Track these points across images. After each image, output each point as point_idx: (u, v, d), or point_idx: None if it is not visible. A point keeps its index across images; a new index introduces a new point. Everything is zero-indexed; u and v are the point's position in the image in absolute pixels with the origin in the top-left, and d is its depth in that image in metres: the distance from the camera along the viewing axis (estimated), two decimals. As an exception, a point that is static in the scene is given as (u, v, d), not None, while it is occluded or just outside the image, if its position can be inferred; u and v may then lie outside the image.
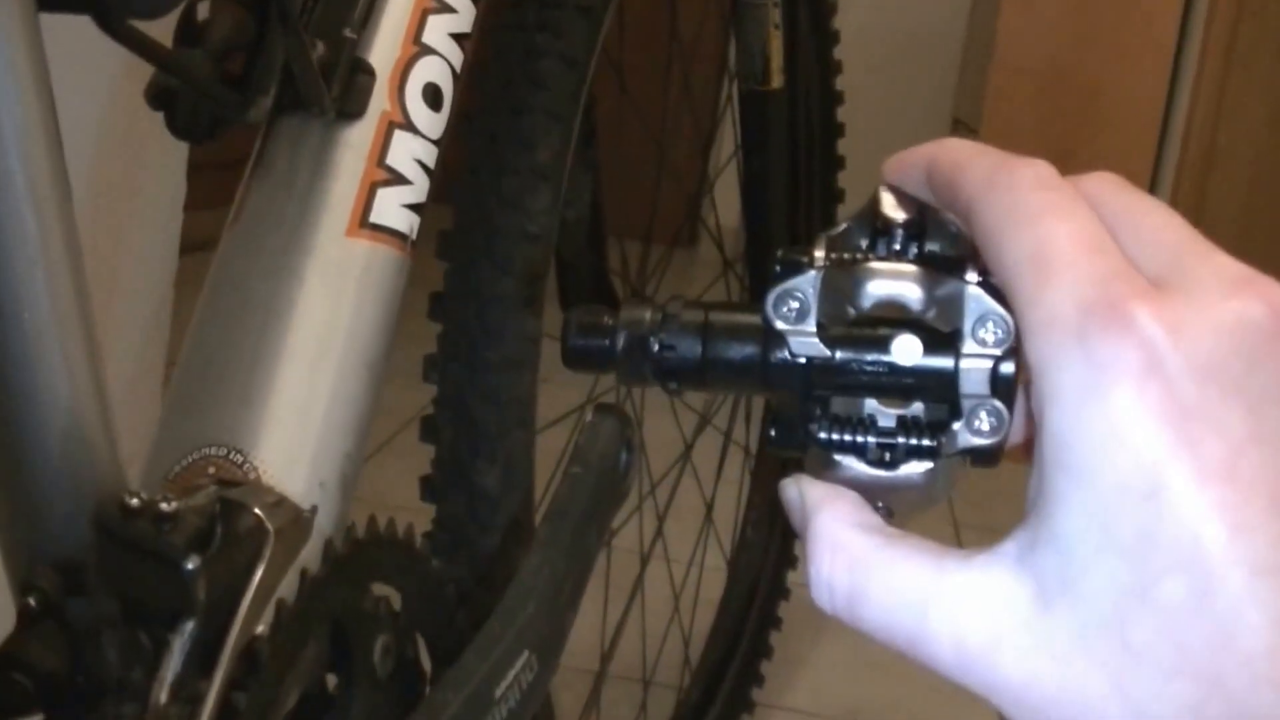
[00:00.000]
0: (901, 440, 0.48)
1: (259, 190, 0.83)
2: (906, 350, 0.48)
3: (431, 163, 0.87)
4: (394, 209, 0.84)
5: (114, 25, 0.68)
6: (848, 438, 0.49)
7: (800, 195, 1.78)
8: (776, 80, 1.66)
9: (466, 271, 1.12)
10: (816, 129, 1.78)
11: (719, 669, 1.86)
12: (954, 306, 0.48)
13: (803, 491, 0.48)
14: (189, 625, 0.64)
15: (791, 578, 1.91)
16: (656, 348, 0.53)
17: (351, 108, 0.84)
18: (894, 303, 0.49)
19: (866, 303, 0.49)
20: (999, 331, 0.47)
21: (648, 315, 0.54)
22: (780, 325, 0.49)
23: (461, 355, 1.12)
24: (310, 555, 0.71)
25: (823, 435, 0.49)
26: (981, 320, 0.47)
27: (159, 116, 0.79)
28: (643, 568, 1.79)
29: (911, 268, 0.49)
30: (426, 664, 0.79)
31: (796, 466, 0.51)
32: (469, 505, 1.12)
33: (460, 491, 1.12)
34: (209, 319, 0.80)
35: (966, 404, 0.47)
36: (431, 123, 0.87)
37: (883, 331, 0.49)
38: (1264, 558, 0.39)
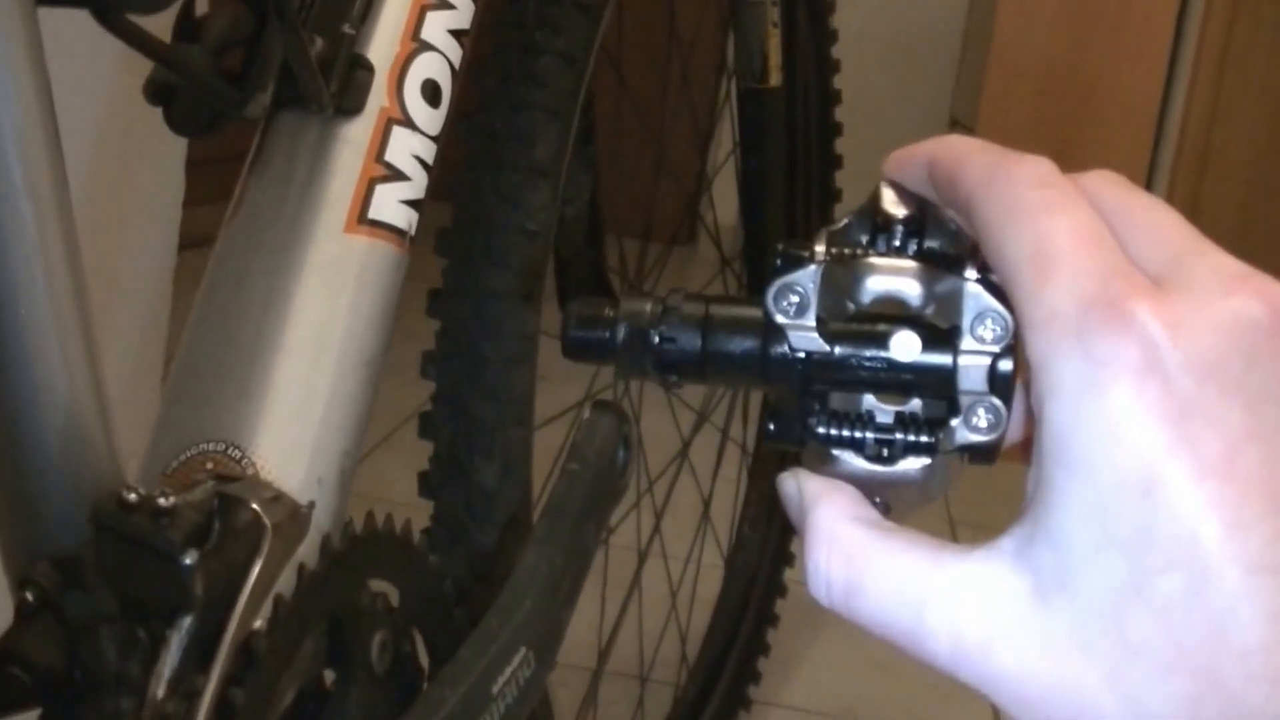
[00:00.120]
0: (899, 436, 0.48)
1: (257, 186, 0.83)
2: (905, 346, 0.48)
3: (430, 159, 0.87)
4: (392, 205, 0.84)
5: (112, 20, 0.68)
6: (846, 433, 0.49)
7: (798, 194, 1.78)
8: (775, 78, 1.66)
9: (465, 268, 1.12)
10: (814, 127, 1.78)
11: (716, 666, 1.86)
12: (953, 303, 0.48)
13: (800, 485, 0.48)
14: (186, 620, 0.64)
15: (788, 575, 1.91)
16: (656, 340, 0.53)
17: (350, 104, 0.84)
18: (893, 298, 0.49)
19: (866, 298, 0.49)
20: (997, 329, 0.47)
21: (648, 308, 0.54)
22: (780, 319, 0.49)
23: (460, 352, 1.12)
24: (308, 551, 0.71)
25: (821, 430, 0.49)
26: (980, 317, 0.47)
27: (157, 112, 0.79)
28: (640, 565, 1.79)
29: (911, 264, 0.49)
30: (424, 660, 0.79)
31: (794, 462, 0.51)
32: (467, 501, 1.12)
33: (458, 488, 1.12)
34: (207, 314, 0.80)
35: (964, 401, 0.47)
36: (430, 119, 0.87)
37: (882, 327, 0.49)
38: (1260, 555, 0.39)
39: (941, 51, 4.62)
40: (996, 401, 0.47)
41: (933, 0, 4.71)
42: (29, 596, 0.65)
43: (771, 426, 0.51)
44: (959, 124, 3.95)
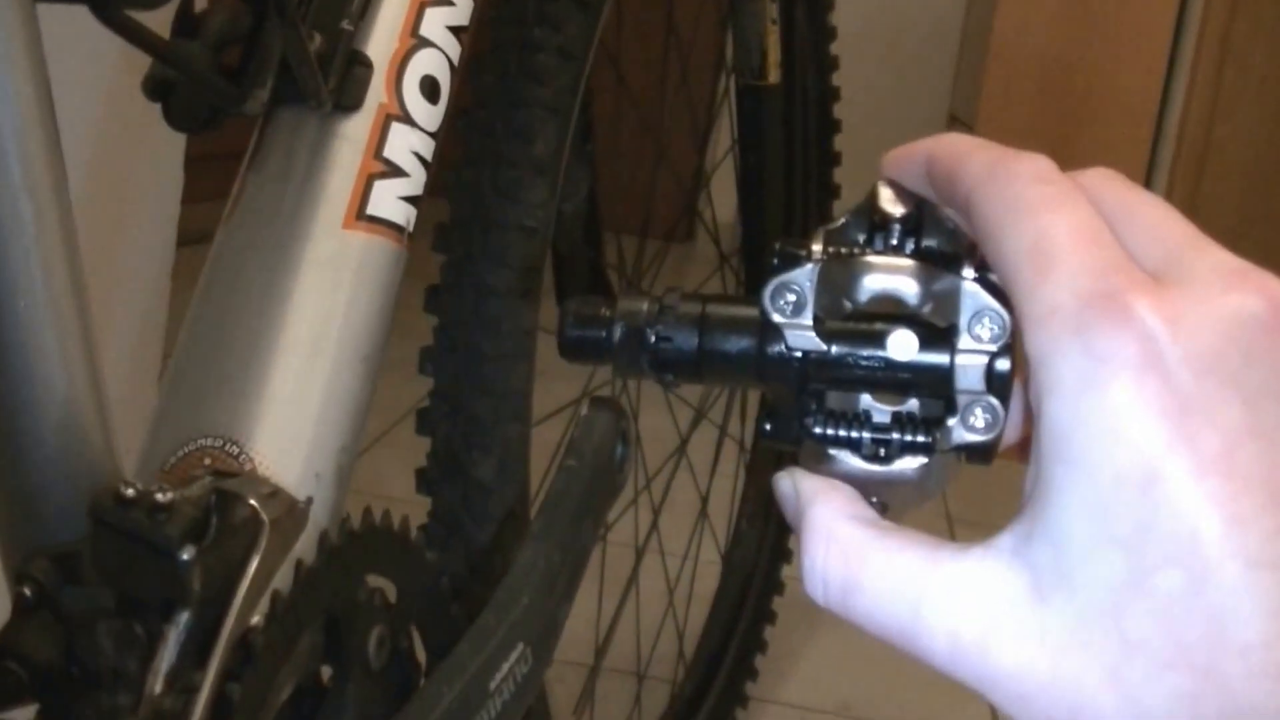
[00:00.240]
0: (896, 436, 0.48)
1: (256, 182, 0.83)
2: (902, 345, 0.48)
3: (429, 155, 0.87)
4: (391, 201, 0.84)
5: (111, 16, 0.68)
6: (843, 433, 0.49)
7: (796, 190, 1.78)
8: (774, 75, 1.66)
9: (463, 264, 1.12)
10: (813, 124, 1.78)
11: (713, 663, 1.86)
12: (950, 302, 0.48)
13: (797, 484, 0.48)
14: (184, 616, 0.64)
15: (786, 572, 1.91)
16: (653, 339, 0.53)
17: (349, 100, 0.84)
18: (890, 297, 0.49)
19: (863, 296, 0.49)
20: (995, 327, 0.47)
21: (645, 307, 0.54)
22: (777, 318, 0.49)
23: (458, 348, 1.12)
24: (305, 546, 0.71)
25: (818, 430, 0.49)
26: (978, 316, 0.47)
27: (156, 108, 0.79)
28: (637, 561, 1.80)
29: (908, 262, 0.49)
30: (421, 656, 0.79)
31: (791, 460, 0.51)
32: (464, 497, 1.12)
33: (456, 484, 1.12)
34: (205, 310, 0.80)
35: (962, 400, 0.47)
36: (429, 115, 0.87)
37: (879, 326, 0.48)
38: (1259, 550, 0.39)
39: (940, 48, 4.62)
40: (994, 401, 0.47)
41: (932, -3, 4.72)
42: (26, 591, 0.65)
43: (768, 426, 0.51)
44: (958, 121, 3.95)
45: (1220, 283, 0.42)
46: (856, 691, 2.07)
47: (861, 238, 0.51)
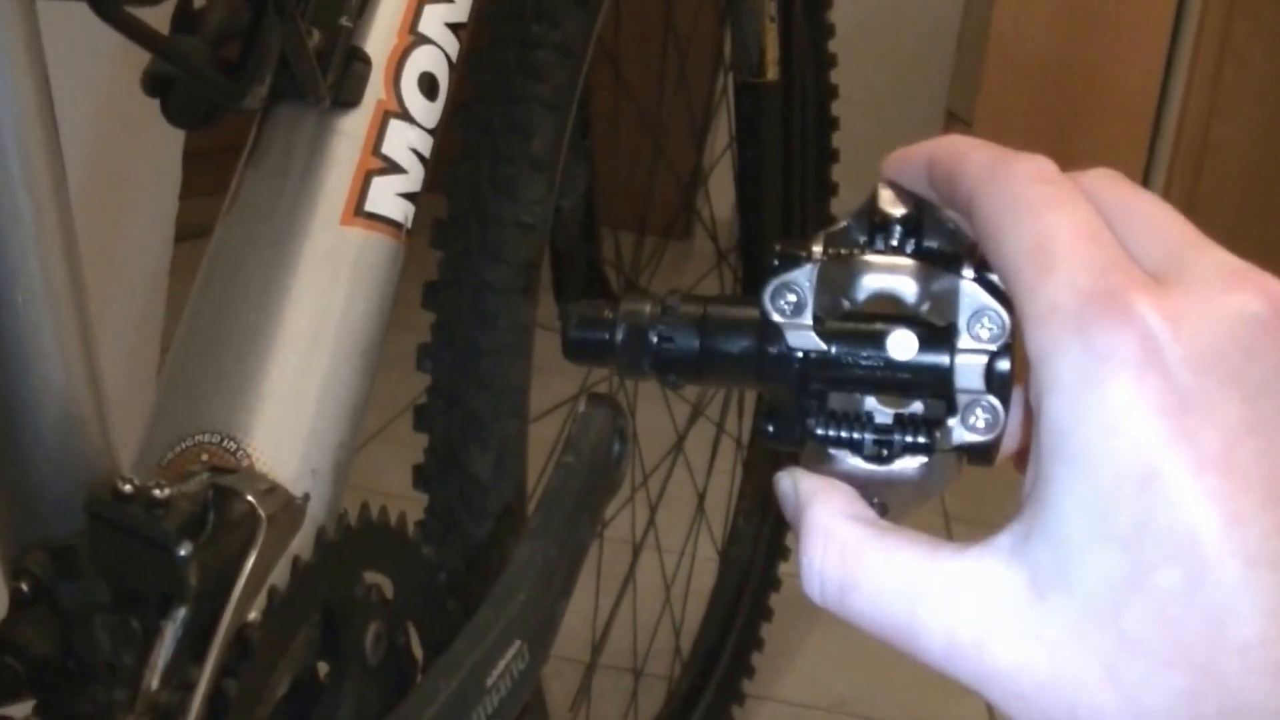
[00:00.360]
0: (898, 437, 0.48)
1: (254, 178, 0.83)
2: (902, 345, 0.48)
3: (427, 152, 0.87)
4: (389, 197, 0.84)
5: (110, 12, 0.68)
6: (844, 434, 0.49)
7: (794, 188, 1.78)
8: (772, 72, 1.66)
9: (461, 261, 1.12)
10: (811, 122, 1.78)
11: (710, 660, 1.87)
12: (949, 301, 0.48)
13: (797, 483, 0.48)
14: (181, 611, 0.64)
15: (783, 569, 1.91)
16: (655, 340, 0.53)
17: (347, 96, 0.84)
18: (889, 296, 0.49)
19: (861, 295, 0.50)
20: (994, 327, 0.47)
21: (647, 308, 0.54)
22: (777, 318, 0.49)
23: (455, 344, 1.12)
24: (302, 542, 0.71)
25: (819, 431, 0.49)
26: (977, 315, 0.47)
27: (155, 104, 0.79)
28: (634, 558, 1.80)
29: (907, 261, 0.49)
30: (418, 652, 0.79)
31: (790, 459, 0.51)
32: (461, 493, 1.12)
33: (453, 480, 1.12)
34: (203, 306, 0.80)
35: (961, 400, 0.47)
36: (427, 112, 0.87)
37: (878, 326, 0.49)
38: (1259, 548, 0.39)
39: (938, 46, 4.62)
40: (994, 400, 0.47)
41: (930, -6, 4.72)
42: (23, 586, 0.65)
43: (770, 428, 0.51)
44: (956, 118, 3.95)
45: (1221, 282, 0.42)
46: (852, 688, 2.07)
47: (862, 239, 0.51)
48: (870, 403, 0.49)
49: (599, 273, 1.56)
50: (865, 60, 3.98)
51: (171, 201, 1.78)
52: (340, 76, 0.83)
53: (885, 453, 0.48)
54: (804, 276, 0.49)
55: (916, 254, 0.50)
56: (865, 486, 0.49)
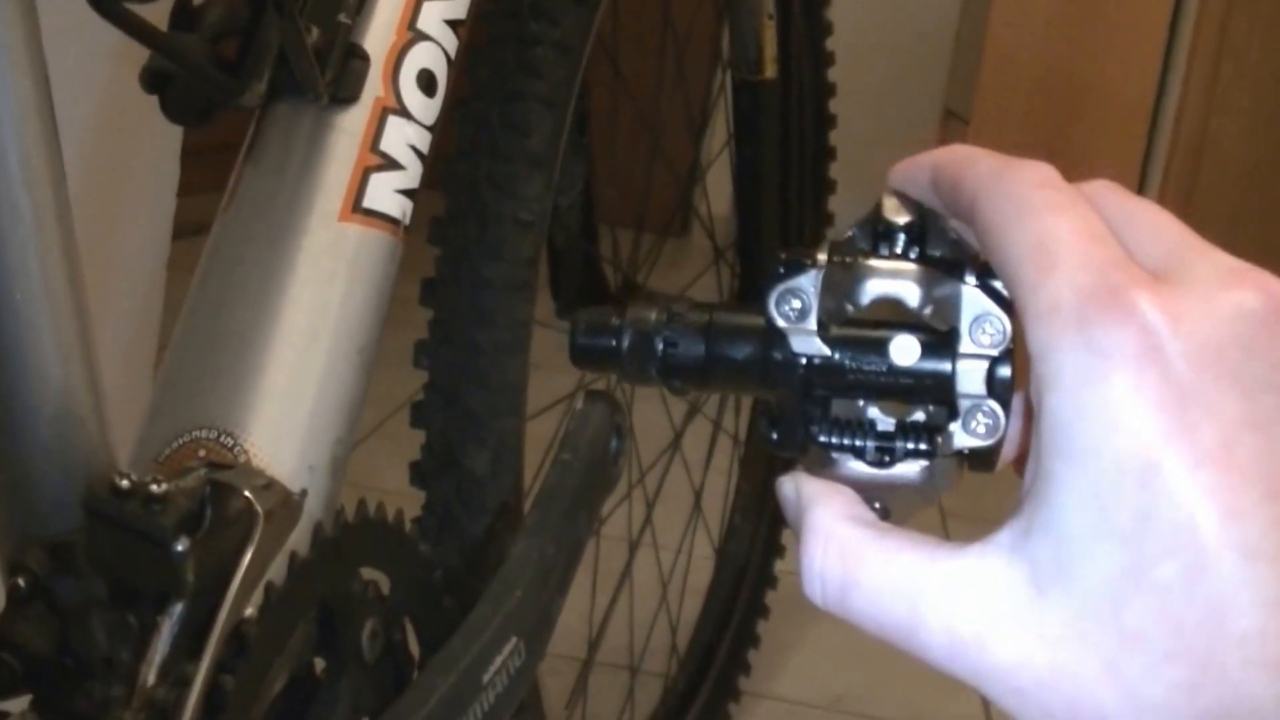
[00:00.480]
0: (899, 444, 0.49)
1: (252, 175, 0.83)
2: (904, 350, 0.49)
3: (425, 148, 0.87)
4: (387, 194, 0.84)
5: (109, 8, 0.68)
6: (847, 440, 0.49)
7: (792, 185, 1.78)
8: (770, 70, 1.66)
9: (459, 257, 1.12)
10: (809, 119, 1.78)
11: (706, 657, 1.87)
12: (952, 306, 0.49)
13: (799, 487, 0.49)
14: (178, 607, 0.64)
15: (779, 566, 1.92)
16: (661, 347, 0.54)
17: (346, 93, 0.84)
18: (893, 300, 0.50)
19: (865, 300, 0.50)
20: (995, 332, 0.48)
21: (653, 315, 0.55)
22: (782, 324, 0.50)
23: (453, 341, 1.12)
24: (299, 538, 0.71)
25: (822, 437, 0.50)
26: (979, 320, 0.48)
27: (153, 100, 0.79)
28: (631, 555, 1.80)
29: (910, 266, 0.50)
30: (414, 648, 0.79)
31: (791, 463, 0.51)
32: (458, 490, 1.12)
33: (450, 476, 1.12)
34: (201, 302, 0.80)
35: (963, 404, 0.48)
36: (425, 108, 0.87)
37: (882, 332, 0.49)
38: (1258, 542, 0.39)
39: (936, 43, 4.62)
40: (994, 405, 0.48)
41: (928, -8, 4.72)
42: (20, 582, 0.65)
43: (774, 435, 0.51)
44: (954, 115, 3.95)
45: (1220, 280, 0.42)
46: (849, 686, 2.07)
47: (866, 247, 0.51)
48: (873, 410, 0.50)
49: (596, 270, 1.56)
50: (863, 58, 3.97)
51: (170, 198, 1.78)
52: (339, 73, 0.83)
53: (887, 458, 0.49)
54: (808, 282, 0.50)
55: (920, 261, 0.50)
56: (867, 490, 0.49)
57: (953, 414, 0.48)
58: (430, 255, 1.14)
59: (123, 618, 0.65)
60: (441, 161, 1.07)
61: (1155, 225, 0.45)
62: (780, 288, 0.50)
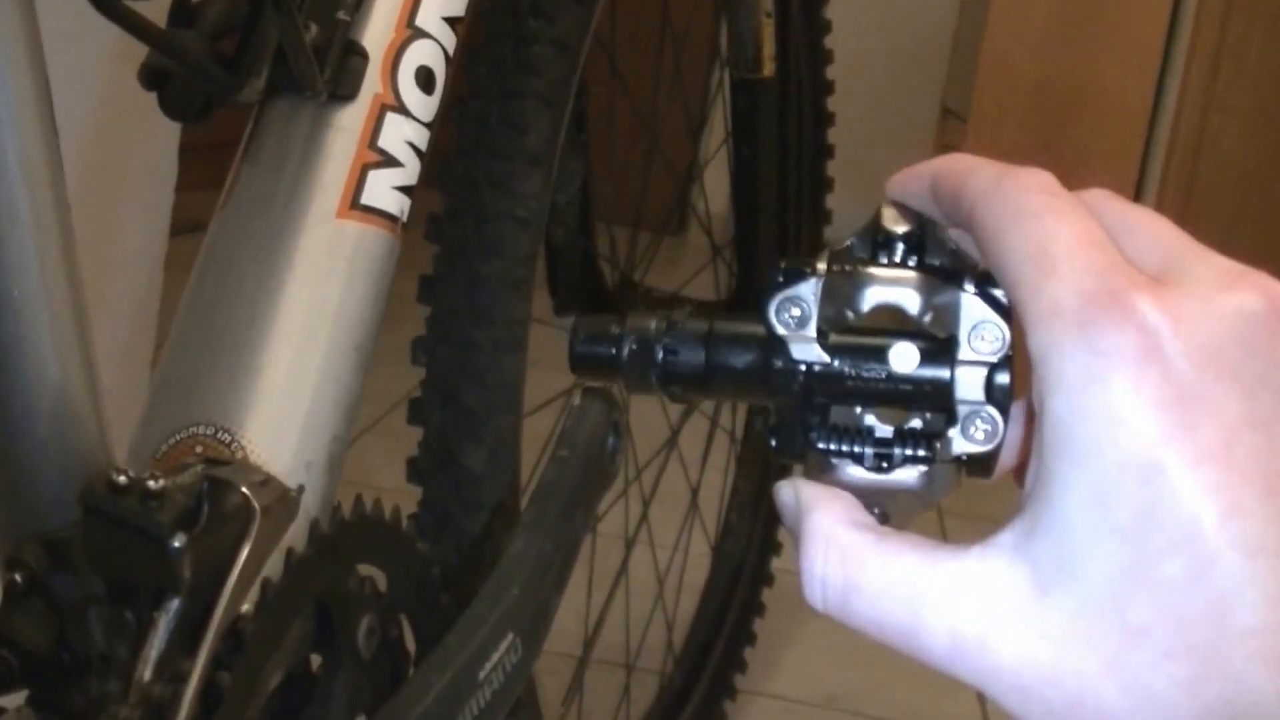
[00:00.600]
0: (898, 450, 0.49)
1: (250, 171, 0.83)
2: (904, 357, 0.49)
3: (423, 145, 0.87)
4: (385, 191, 0.84)
5: (108, 5, 0.68)
6: (846, 446, 0.50)
7: (790, 183, 1.78)
8: (768, 68, 1.66)
9: (456, 255, 1.12)
10: (807, 118, 1.78)
11: (702, 655, 1.87)
12: (951, 313, 0.49)
13: (798, 492, 0.49)
14: (174, 603, 0.64)
15: (775, 564, 1.92)
16: (661, 355, 0.54)
17: (344, 90, 0.84)
18: (892, 308, 0.50)
19: (865, 307, 0.51)
20: (994, 340, 0.48)
21: (653, 323, 0.55)
22: (782, 331, 0.50)
23: (450, 338, 1.12)
24: (296, 535, 0.71)
25: (822, 444, 0.50)
26: (977, 328, 0.48)
27: (151, 97, 0.79)
28: (627, 553, 1.80)
29: (910, 274, 0.51)
30: (411, 645, 0.79)
31: (789, 468, 0.52)
32: (455, 487, 1.12)
33: (447, 473, 1.12)
34: (198, 299, 0.80)
35: (962, 410, 0.48)
36: (424, 106, 0.87)
37: (881, 339, 0.49)
38: (1259, 539, 0.40)
39: (934, 42, 4.62)
40: (993, 412, 0.48)
41: (926, -10, 4.72)
42: (17, 578, 0.65)
43: (774, 441, 0.52)
44: (951, 114, 3.95)
45: (1219, 282, 0.43)
46: (844, 684, 2.07)
47: (866, 256, 0.52)
48: (871, 417, 0.50)
49: (594, 267, 1.56)
50: (862, 56, 3.97)
51: (167, 195, 1.78)
52: (337, 70, 0.83)
53: (885, 464, 0.49)
54: (809, 290, 0.50)
55: (919, 269, 0.51)
56: (866, 496, 0.49)
57: (951, 420, 0.49)
58: (428, 252, 1.14)
59: (119, 613, 0.65)
60: (439, 159, 1.07)
61: (1153, 231, 0.46)
62: (780, 296, 0.51)
